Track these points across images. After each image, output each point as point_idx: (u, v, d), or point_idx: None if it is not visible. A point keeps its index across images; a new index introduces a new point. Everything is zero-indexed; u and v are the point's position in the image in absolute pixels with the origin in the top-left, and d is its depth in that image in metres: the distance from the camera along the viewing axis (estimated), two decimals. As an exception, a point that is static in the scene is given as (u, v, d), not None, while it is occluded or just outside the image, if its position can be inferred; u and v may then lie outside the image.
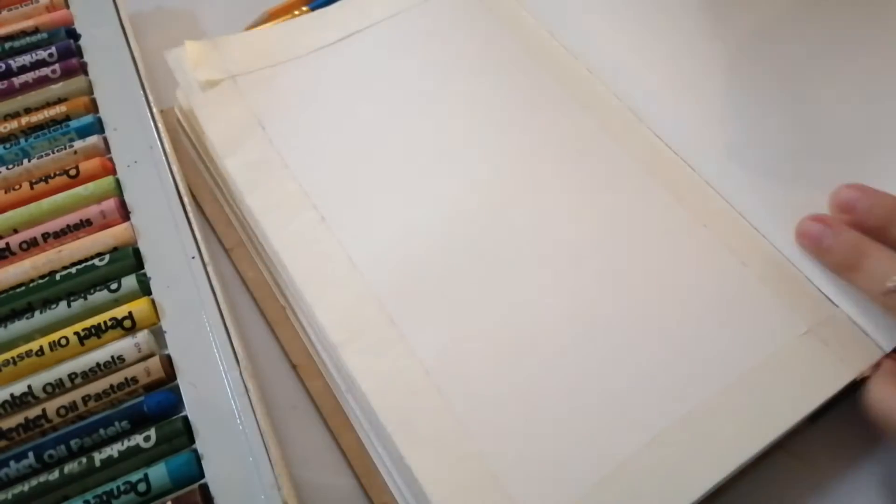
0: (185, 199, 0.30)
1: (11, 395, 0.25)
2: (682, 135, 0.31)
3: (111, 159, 0.31)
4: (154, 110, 0.32)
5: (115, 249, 0.29)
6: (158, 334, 0.27)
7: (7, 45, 0.35)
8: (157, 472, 0.24)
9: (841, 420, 0.28)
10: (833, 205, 0.28)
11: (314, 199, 0.30)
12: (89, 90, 0.33)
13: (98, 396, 0.25)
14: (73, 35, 0.35)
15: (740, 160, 0.31)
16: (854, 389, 0.26)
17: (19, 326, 0.27)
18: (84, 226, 0.29)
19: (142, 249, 0.29)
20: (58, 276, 0.28)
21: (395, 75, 0.34)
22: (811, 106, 0.32)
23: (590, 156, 0.32)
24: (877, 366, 0.26)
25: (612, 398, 0.25)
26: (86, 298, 0.27)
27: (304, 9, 0.38)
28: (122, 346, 0.26)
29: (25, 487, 0.24)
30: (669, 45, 0.34)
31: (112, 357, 0.26)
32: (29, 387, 0.26)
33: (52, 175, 0.30)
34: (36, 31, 0.35)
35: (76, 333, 0.26)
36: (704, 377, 0.26)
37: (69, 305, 0.27)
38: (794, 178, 0.30)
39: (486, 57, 0.35)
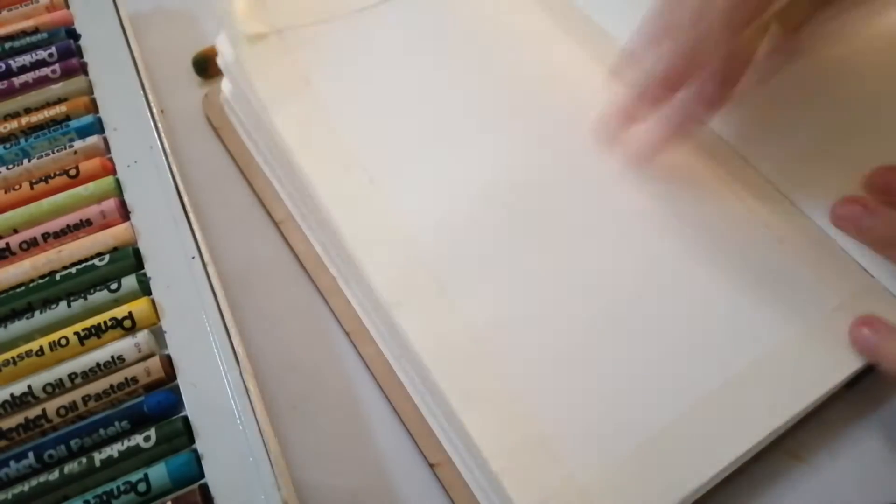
0: (185, 199, 0.30)
1: (11, 395, 0.25)
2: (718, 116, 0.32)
3: (111, 159, 0.31)
4: (154, 110, 0.32)
5: (115, 249, 0.29)
6: (158, 334, 0.27)
7: (7, 45, 0.35)
8: (157, 472, 0.24)
9: (841, 421, 0.28)
10: (869, 186, 0.29)
11: (362, 159, 0.31)
12: (89, 90, 0.33)
13: (98, 396, 0.25)
14: (73, 35, 0.35)
15: (776, 141, 0.31)
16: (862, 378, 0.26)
17: (19, 326, 0.27)
18: (84, 226, 0.29)
19: (142, 249, 0.29)
20: (58, 276, 0.28)
21: (440, 38, 0.35)
22: (844, 91, 0.33)
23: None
24: None
25: (650, 367, 0.26)
26: (86, 298, 0.27)
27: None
28: (122, 346, 0.26)
29: (25, 487, 0.24)
30: None
31: (112, 357, 0.26)
32: (29, 387, 0.26)
33: (52, 175, 0.30)
34: (36, 31, 0.35)
35: (76, 333, 0.26)
36: (738, 349, 0.26)
37: (69, 305, 0.27)
38: (828, 158, 0.31)
39: (531, 25, 0.35)
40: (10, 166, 0.31)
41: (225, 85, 0.36)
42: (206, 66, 0.38)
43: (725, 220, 0.29)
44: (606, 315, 0.27)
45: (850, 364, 0.26)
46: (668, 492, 0.24)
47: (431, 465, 0.27)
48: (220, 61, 0.35)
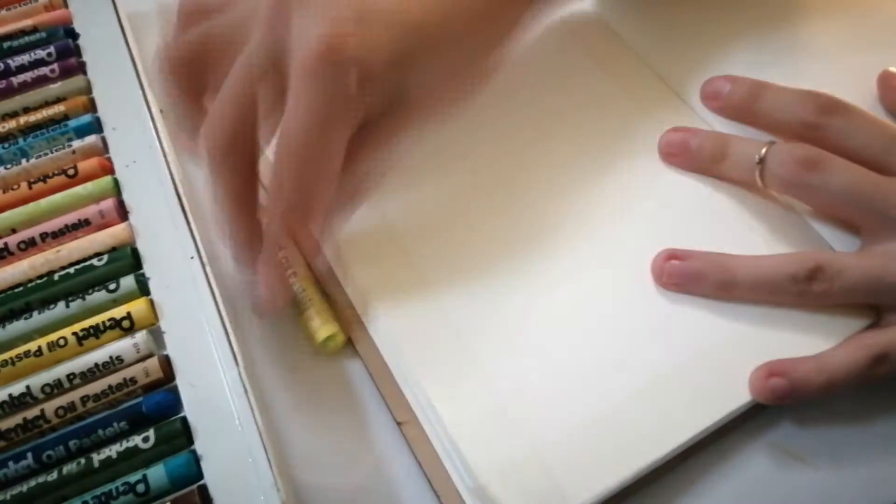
0: (184, 199, 0.30)
1: (10, 395, 0.25)
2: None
3: (110, 159, 0.31)
4: (153, 110, 0.32)
5: (113, 249, 0.29)
6: (157, 334, 0.27)
7: (5, 44, 0.35)
8: (156, 473, 0.24)
9: (840, 419, 0.28)
10: (702, 94, 0.32)
11: None
12: (88, 90, 0.33)
13: (97, 397, 0.25)
14: (72, 34, 0.35)
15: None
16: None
17: (18, 327, 0.27)
18: (82, 226, 0.29)
19: (140, 249, 0.29)
20: (56, 277, 0.28)
21: None
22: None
23: (610, 115, 0.33)
24: None
25: (612, 340, 0.27)
26: (84, 299, 0.27)
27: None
28: (120, 346, 0.26)
29: (24, 488, 0.24)
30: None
31: (111, 357, 0.26)
32: (27, 387, 0.25)
33: (51, 175, 0.30)
34: (34, 30, 0.35)
35: (74, 334, 0.26)
36: (701, 328, 0.27)
37: (67, 306, 0.27)
38: None
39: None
40: (9, 166, 0.31)
41: None
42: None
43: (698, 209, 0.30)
44: (571, 292, 0.28)
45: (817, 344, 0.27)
46: (625, 463, 0.25)
47: (400, 423, 0.28)
48: None
